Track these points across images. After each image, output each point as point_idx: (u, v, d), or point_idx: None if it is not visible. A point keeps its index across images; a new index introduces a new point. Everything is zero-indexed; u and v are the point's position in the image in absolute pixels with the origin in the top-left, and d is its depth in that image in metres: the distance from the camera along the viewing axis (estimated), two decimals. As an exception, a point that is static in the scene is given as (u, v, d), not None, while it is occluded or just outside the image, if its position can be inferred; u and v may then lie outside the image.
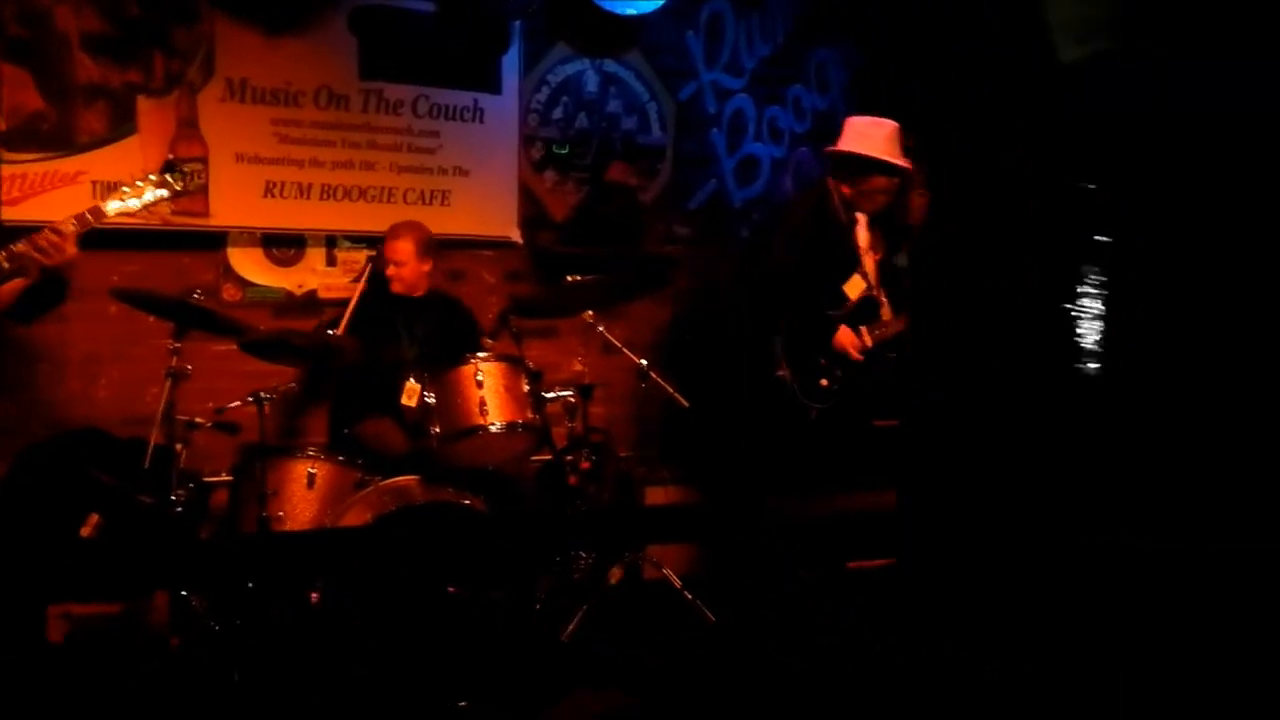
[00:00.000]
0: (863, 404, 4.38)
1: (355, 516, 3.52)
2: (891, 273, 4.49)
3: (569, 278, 4.09)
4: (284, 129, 4.44)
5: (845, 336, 4.20)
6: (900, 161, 4.25)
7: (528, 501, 3.90)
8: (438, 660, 2.97)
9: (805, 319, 4.22)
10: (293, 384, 4.07)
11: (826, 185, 4.37)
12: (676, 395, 4.11)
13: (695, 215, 5.45)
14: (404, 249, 4.21)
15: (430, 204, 4.78)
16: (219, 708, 2.99)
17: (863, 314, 4.33)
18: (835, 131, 5.57)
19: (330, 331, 3.90)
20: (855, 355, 4.19)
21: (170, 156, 3.91)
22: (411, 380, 3.84)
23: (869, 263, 4.36)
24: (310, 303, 4.60)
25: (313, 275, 4.63)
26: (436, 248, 4.34)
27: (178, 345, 3.55)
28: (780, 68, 5.71)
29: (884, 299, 4.39)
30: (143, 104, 4.17)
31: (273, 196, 4.44)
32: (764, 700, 3.23)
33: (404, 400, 3.89)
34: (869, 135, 4.25)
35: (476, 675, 2.99)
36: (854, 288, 4.30)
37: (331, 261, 4.68)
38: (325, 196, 4.57)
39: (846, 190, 4.28)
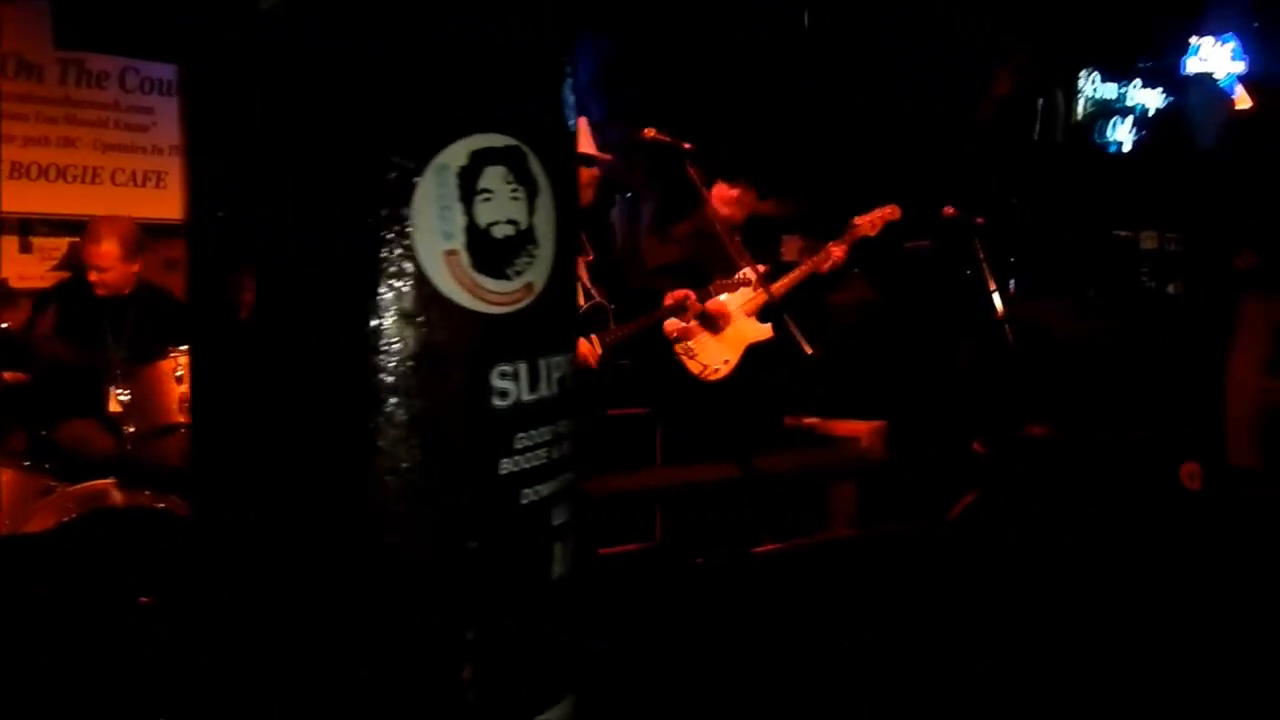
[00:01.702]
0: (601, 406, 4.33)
1: (38, 523, 3.17)
2: (605, 274, 4.43)
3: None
4: (-37, 99, 4.00)
5: (582, 346, 4.12)
6: (602, 155, 4.21)
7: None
8: (121, 674, 2.69)
9: None
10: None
11: None
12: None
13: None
14: (107, 254, 3.79)
15: (143, 186, 4.41)
16: None
17: (594, 321, 4.26)
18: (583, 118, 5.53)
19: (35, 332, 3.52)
20: (593, 364, 4.12)
21: None
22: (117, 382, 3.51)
23: (581, 267, 4.29)
24: (3, 293, 4.14)
25: (4, 263, 4.19)
26: (144, 243, 3.93)
27: None
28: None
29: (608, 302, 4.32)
30: None
31: (-50, 174, 3.99)
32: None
33: (110, 404, 3.55)
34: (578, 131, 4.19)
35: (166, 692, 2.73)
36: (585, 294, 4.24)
37: (26, 248, 4.23)
38: (17, 175, 4.13)
39: None
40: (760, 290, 4.21)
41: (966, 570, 3.91)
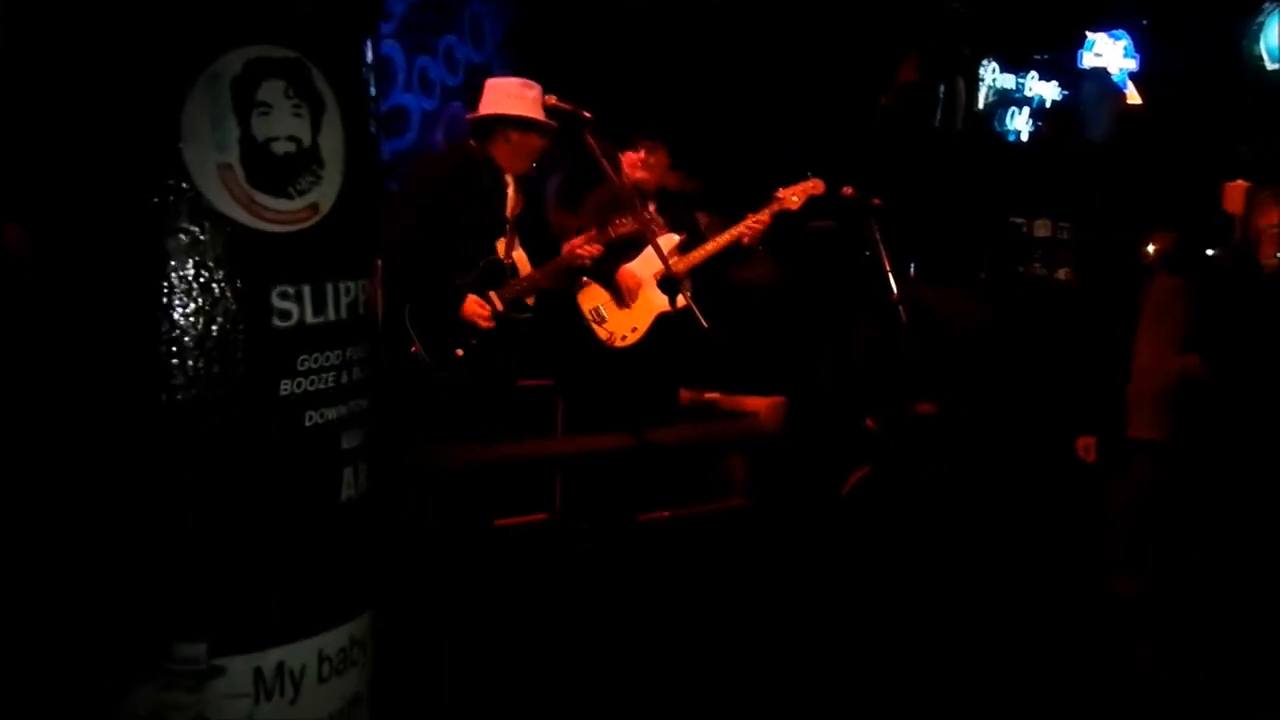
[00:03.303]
0: (505, 365, 4.29)
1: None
2: (530, 233, 4.39)
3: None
4: None
5: (471, 306, 4.06)
6: (550, 122, 4.17)
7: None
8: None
9: (432, 289, 4.03)
10: None
11: (469, 148, 4.20)
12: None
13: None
14: None
15: None
16: None
17: (492, 278, 4.21)
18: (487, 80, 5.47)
19: None
20: (485, 324, 4.07)
21: None
22: None
23: (510, 228, 4.24)
24: None
25: None
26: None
27: None
28: (432, 16, 5.51)
29: (523, 258, 4.28)
30: None
31: None
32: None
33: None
34: (525, 98, 4.12)
35: None
36: (520, 258, 4.20)
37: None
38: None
39: (500, 152, 4.12)
40: (668, 261, 4.21)
41: (853, 538, 4.02)
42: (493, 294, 4.06)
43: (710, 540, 3.98)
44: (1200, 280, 4.22)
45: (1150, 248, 4.81)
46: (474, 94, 5.34)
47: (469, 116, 4.28)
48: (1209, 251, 4.84)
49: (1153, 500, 4.14)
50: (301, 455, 1.51)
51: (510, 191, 4.18)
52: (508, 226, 4.18)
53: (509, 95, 4.10)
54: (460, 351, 4.01)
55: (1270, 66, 9.44)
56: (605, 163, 3.97)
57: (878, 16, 7.56)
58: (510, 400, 4.46)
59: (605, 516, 4.23)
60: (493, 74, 5.83)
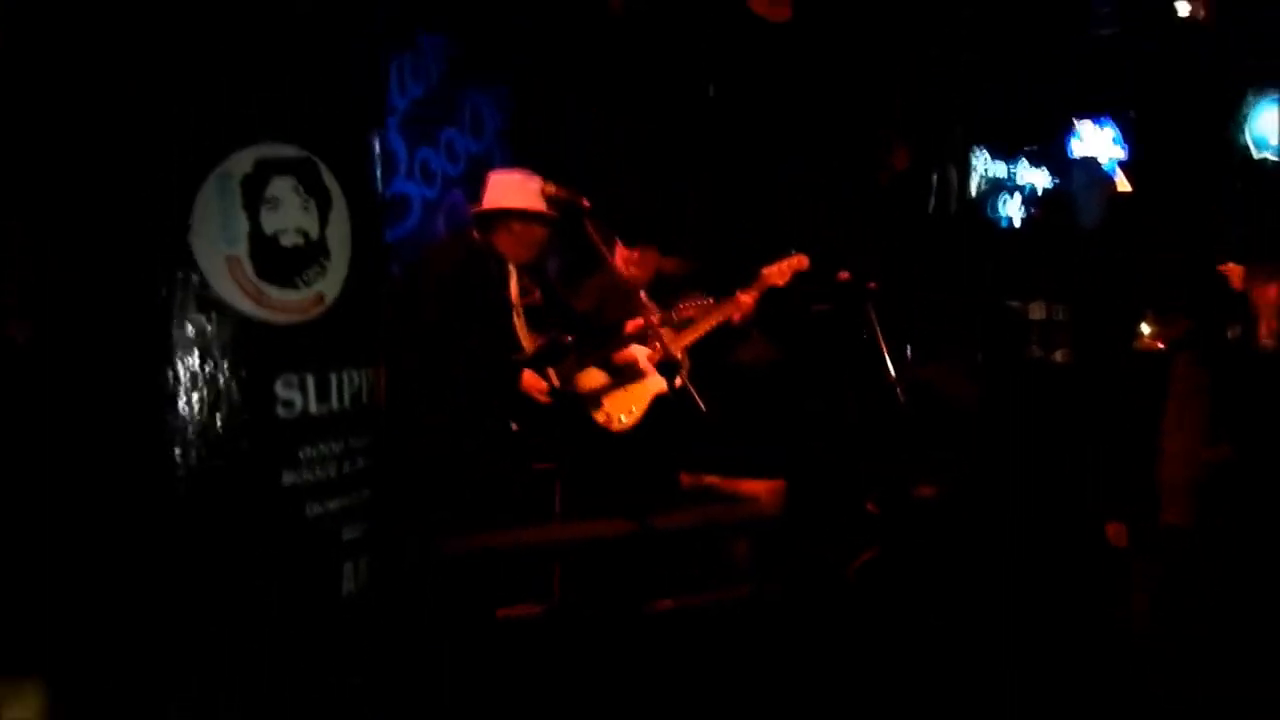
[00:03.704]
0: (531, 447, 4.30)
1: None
2: (556, 314, 4.44)
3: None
4: None
5: (530, 379, 4.12)
6: (552, 213, 4.26)
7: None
8: None
9: (487, 363, 4.08)
10: None
11: (473, 239, 4.27)
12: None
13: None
14: None
15: None
16: None
17: (552, 356, 4.27)
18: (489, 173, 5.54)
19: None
20: (542, 399, 4.11)
21: None
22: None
23: (523, 313, 4.30)
24: None
25: None
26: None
27: None
28: (434, 109, 5.64)
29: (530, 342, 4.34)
30: None
31: None
32: None
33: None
34: (526, 190, 4.21)
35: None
36: (528, 341, 4.25)
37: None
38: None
39: (503, 242, 4.20)
40: (665, 343, 4.25)
41: (862, 630, 3.95)
42: (551, 371, 4.11)
43: (717, 630, 3.91)
44: (1221, 365, 4.21)
45: (1145, 327, 4.85)
46: (473, 183, 5.45)
47: (473, 210, 4.35)
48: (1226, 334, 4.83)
49: (1181, 584, 4.10)
50: (302, 548, 1.49)
51: (514, 281, 4.25)
52: (517, 314, 4.23)
53: (511, 188, 4.20)
54: (515, 426, 4.05)
55: (1257, 155, 9.65)
56: (604, 249, 4.03)
57: (869, 102, 7.73)
58: (508, 483, 4.46)
59: (608, 607, 4.18)
60: (492, 163, 5.93)
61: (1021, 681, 3.82)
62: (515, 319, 4.24)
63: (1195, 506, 4.06)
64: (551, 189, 4.09)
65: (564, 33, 6.03)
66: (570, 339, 4.28)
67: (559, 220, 4.21)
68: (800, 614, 4.06)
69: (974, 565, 4.50)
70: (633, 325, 4.42)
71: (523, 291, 4.28)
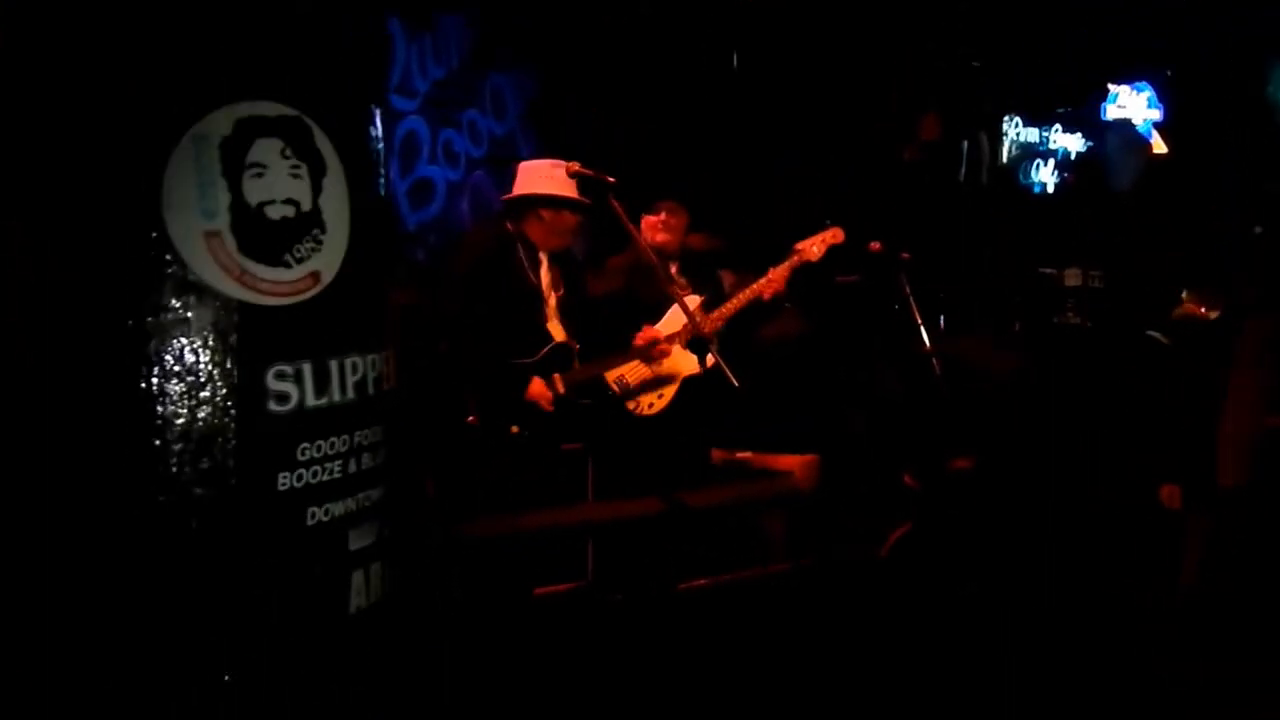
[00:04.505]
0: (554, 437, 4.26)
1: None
2: (574, 311, 4.37)
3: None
4: None
5: (537, 388, 4.08)
6: (583, 199, 4.20)
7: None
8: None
9: (495, 365, 4.05)
10: None
11: (506, 228, 4.23)
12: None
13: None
14: None
15: None
16: None
17: (558, 361, 4.23)
18: (513, 156, 5.50)
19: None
20: (548, 408, 4.08)
21: None
22: None
23: (553, 303, 4.26)
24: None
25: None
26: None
27: None
28: (455, 91, 5.60)
29: (575, 342, 4.29)
30: None
31: None
32: None
33: None
34: (555, 177, 4.17)
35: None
36: (556, 330, 4.20)
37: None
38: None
39: (534, 230, 4.16)
40: (696, 321, 4.20)
41: (896, 602, 3.90)
42: (557, 377, 4.08)
43: (751, 608, 3.88)
44: None
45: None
46: (496, 165, 5.42)
47: (503, 198, 4.32)
48: None
49: (1233, 545, 4.02)
50: (302, 559, 1.30)
51: (545, 269, 4.20)
52: (547, 303, 4.19)
53: (540, 176, 4.15)
54: (516, 429, 4.02)
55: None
56: (631, 226, 3.97)
57: (899, 73, 7.61)
58: (540, 464, 4.44)
59: (642, 586, 4.15)
60: (515, 144, 5.88)
61: (1053, 659, 3.77)
62: (546, 308, 4.20)
63: (1254, 469, 3.97)
64: (575, 166, 4.05)
65: (581, 16, 5.97)
66: (577, 347, 4.21)
67: (590, 206, 4.16)
68: (835, 592, 4.01)
69: (1012, 537, 4.43)
70: (642, 338, 4.34)
71: (554, 282, 4.23)
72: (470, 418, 4.02)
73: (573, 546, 4.58)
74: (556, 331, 4.17)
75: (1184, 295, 5.90)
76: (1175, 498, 4.17)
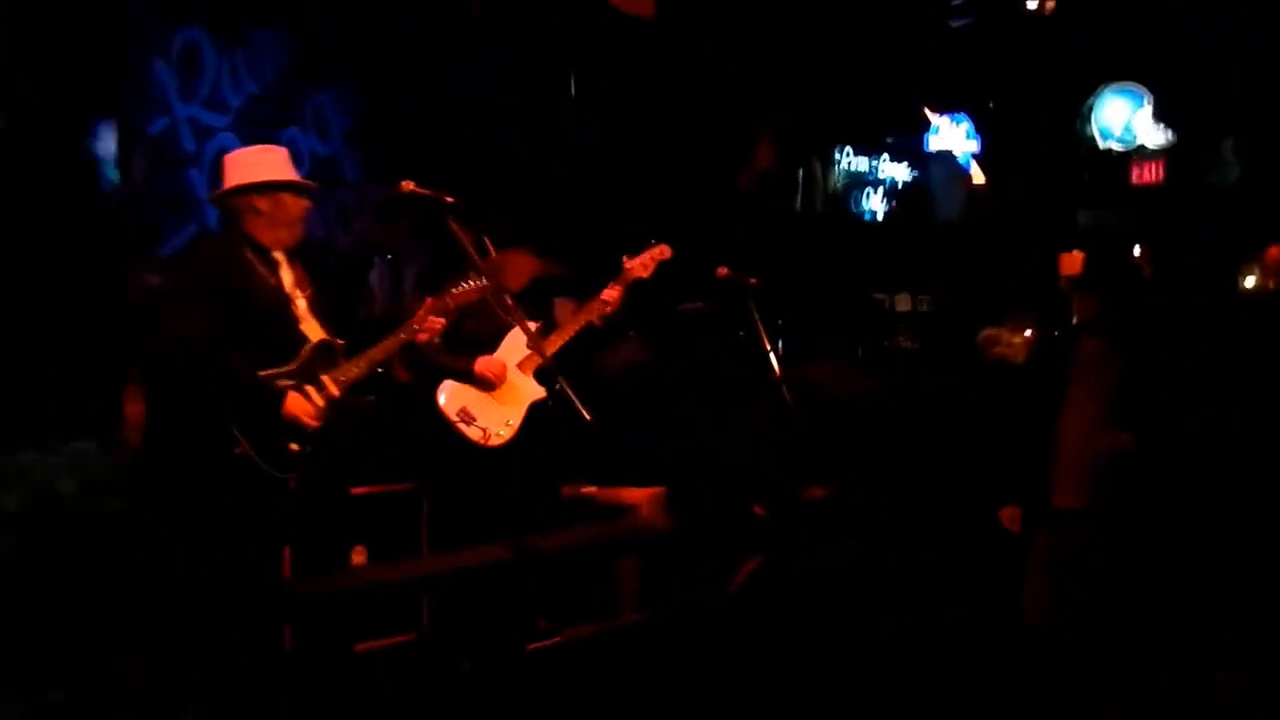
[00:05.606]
0: (345, 463, 3.89)
1: None
2: (327, 310, 4.01)
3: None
4: None
5: (293, 405, 3.62)
6: (302, 180, 3.82)
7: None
8: None
9: (243, 386, 3.58)
10: None
11: (230, 235, 3.80)
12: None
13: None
14: None
15: None
16: None
17: (322, 361, 3.79)
18: (336, 177, 5.15)
19: None
20: (311, 422, 3.63)
21: None
22: None
23: (302, 304, 3.82)
24: None
25: None
26: None
27: None
28: (273, 108, 5.22)
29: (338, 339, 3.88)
30: None
31: None
32: None
33: None
34: (264, 162, 3.79)
35: None
36: (313, 330, 3.76)
37: None
38: None
39: (256, 228, 3.72)
40: (538, 344, 3.96)
41: (753, 651, 3.74)
42: (326, 378, 3.63)
43: (604, 669, 3.63)
44: (1128, 346, 4.15)
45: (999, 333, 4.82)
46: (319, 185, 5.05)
47: (211, 196, 3.90)
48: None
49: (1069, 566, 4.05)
50: None
51: (284, 269, 3.78)
52: (294, 305, 3.76)
53: (247, 164, 3.73)
54: (295, 446, 3.58)
55: (1102, 145, 10.03)
56: (470, 249, 3.69)
57: (729, 99, 7.62)
58: (362, 505, 4.10)
59: (488, 647, 3.85)
60: (339, 165, 5.52)
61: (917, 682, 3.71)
62: (294, 310, 3.75)
63: (1089, 490, 4.01)
64: (411, 186, 3.71)
65: (414, 31, 5.70)
66: (341, 342, 3.84)
67: (312, 189, 3.81)
68: (689, 642, 3.82)
69: (872, 563, 4.37)
70: (483, 366, 4.13)
71: (299, 280, 3.81)
72: (237, 447, 3.55)
73: (407, 596, 4.25)
74: (313, 331, 3.73)
75: (1000, 325, 6.04)
76: (1015, 520, 4.19)
